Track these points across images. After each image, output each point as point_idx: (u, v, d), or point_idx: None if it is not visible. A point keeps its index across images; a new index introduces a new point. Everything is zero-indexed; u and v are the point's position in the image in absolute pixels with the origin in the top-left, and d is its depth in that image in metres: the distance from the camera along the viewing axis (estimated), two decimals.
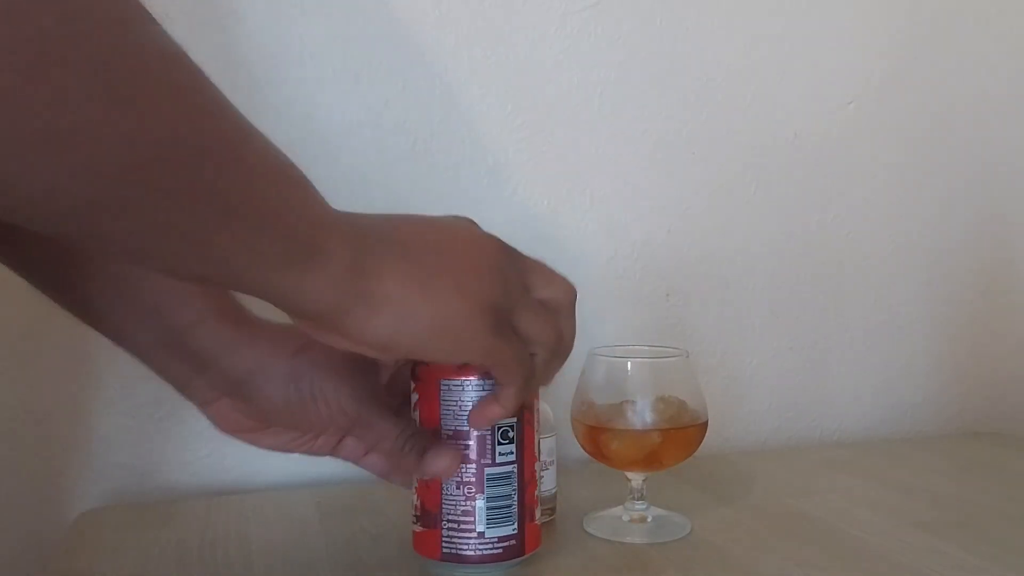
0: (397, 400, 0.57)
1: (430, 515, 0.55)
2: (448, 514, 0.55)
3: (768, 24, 0.94)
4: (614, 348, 0.67)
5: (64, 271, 0.51)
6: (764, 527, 0.67)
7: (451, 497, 0.55)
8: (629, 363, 0.65)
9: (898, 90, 0.99)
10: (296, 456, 0.59)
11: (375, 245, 0.44)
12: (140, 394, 0.78)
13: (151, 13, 0.32)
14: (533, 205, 0.87)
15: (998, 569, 0.59)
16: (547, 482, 0.67)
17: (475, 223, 0.51)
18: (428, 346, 0.46)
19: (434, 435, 0.54)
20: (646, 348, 0.68)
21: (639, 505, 0.67)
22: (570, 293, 0.52)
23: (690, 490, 0.75)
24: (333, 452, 0.57)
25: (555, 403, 0.68)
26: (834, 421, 0.99)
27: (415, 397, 0.56)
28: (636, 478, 0.66)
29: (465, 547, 0.55)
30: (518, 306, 0.48)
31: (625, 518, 0.67)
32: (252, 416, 0.53)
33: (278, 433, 0.55)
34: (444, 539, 0.55)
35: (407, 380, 0.57)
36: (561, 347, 0.51)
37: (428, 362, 0.54)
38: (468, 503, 0.55)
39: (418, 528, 0.56)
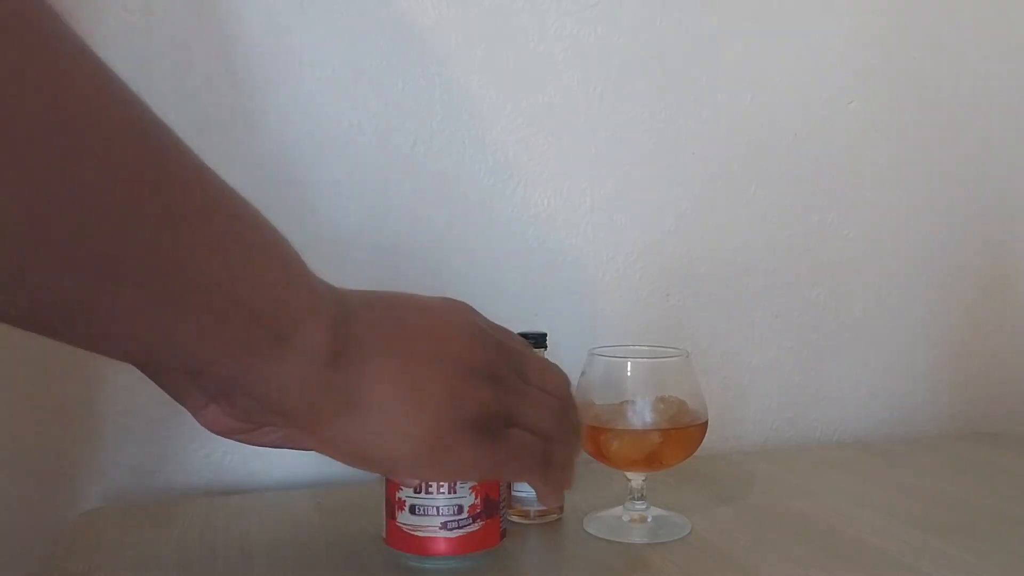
0: None
1: (492, 503, 0.56)
2: (503, 493, 0.58)
3: (768, 24, 0.94)
4: (614, 348, 0.67)
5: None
6: (764, 527, 0.67)
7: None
8: (629, 363, 0.65)
9: (898, 90, 0.99)
10: (296, 456, 0.59)
11: (363, 332, 0.39)
12: (140, 394, 0.78)
13: (96, 54, 0.29)
14: (533, 205, 0.87)
15: (998, 569, 0.59)
16: None
17: (469, 308, 0.47)
18: (421, 468, 0.42)
19: None
20: (646, 348, 0.68)
21: (639, 505, 0.67)
22: (565, 382, 0.50)
23: (690, 490, 0.75)
24: None
25: None
26: (834, 421, 0.99)
27: None
28: (636, 478, 0.66)
29: (507, 516, 0.59)
30: (516, 402, 0.45)
31: (625, 518, 0.67)
32: (240, 418, 0.54)
33: (269, 432, 0.55)
34: (503, 519, 0.58)
35: None
36: (569, 435, 0.48)
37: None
38: None
39: (475, 527, 0.56)
